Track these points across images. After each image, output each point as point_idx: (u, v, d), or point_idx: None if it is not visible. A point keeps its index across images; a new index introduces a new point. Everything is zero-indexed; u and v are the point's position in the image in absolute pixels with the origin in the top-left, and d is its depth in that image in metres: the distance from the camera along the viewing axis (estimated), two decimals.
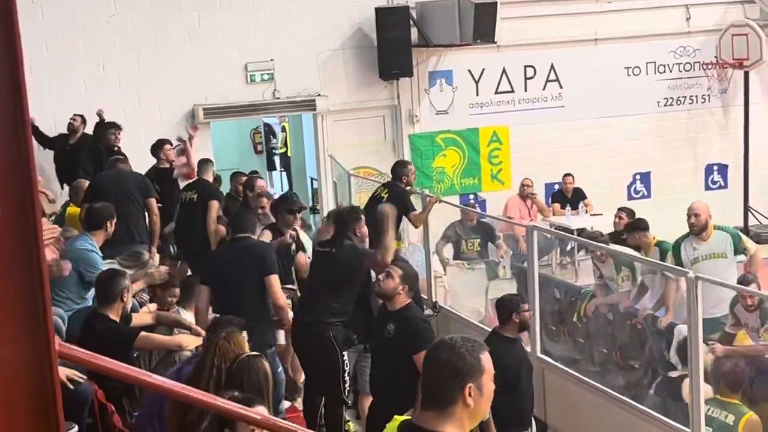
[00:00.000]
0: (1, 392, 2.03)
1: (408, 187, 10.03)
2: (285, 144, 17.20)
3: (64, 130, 11.42)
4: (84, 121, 11.34)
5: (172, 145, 11.33)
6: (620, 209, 10.98)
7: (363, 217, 7.62)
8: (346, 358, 7.09)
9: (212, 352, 5.02)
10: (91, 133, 11.26)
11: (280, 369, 7.18)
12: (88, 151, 11.08)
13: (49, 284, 2.05)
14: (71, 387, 5.26)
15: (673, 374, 7.65)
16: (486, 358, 3.01)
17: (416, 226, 9.92)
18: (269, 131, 17.48)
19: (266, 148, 17.68)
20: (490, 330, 7.15)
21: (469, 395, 2.94)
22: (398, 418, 3.13)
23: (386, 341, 6.22)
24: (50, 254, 6.79)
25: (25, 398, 2.07)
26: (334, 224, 7.68)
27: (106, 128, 11.05)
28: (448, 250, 11.71)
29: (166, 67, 12.59)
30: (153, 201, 9.43)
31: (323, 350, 7.03)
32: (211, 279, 7.21)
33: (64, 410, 5.13)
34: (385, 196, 9.70)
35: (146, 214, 9.36)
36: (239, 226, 7.50)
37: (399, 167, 10.25)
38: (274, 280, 7.14)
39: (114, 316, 6.37)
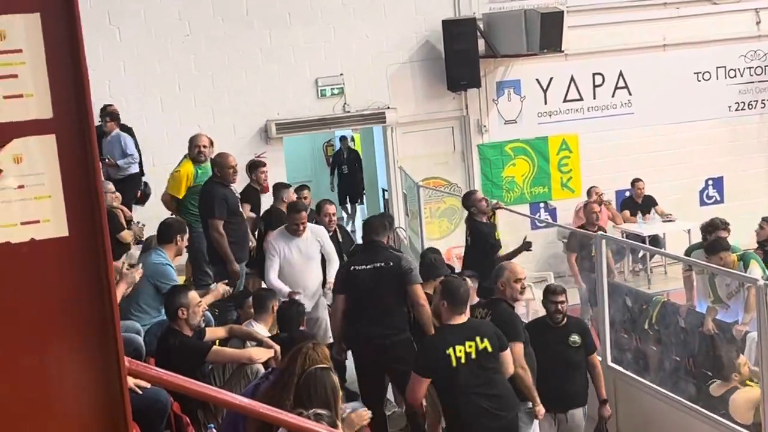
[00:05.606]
0: (73, 410, 2.09)
1: (482, 215, 9.82)
2: None
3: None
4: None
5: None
6: (764, 219, 10.80)
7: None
8: None
9: (299, 360, 4.92)
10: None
11: None
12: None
13: (117, 304, 2.05)
14: (139, 392, 5.01)
15: (715, 391, 7.44)
16: None
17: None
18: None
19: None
20: None
21: None
22: None
23: None
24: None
25: (96, 416, 2.09)
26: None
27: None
28: None
29: (239, 84, 12.83)
30: (213, 221, 8.70)
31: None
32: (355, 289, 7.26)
33: (144, 419, 5.23)
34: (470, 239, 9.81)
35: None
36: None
37: (466, 201, 10.10)
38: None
39: (186, 331, 6.41)
